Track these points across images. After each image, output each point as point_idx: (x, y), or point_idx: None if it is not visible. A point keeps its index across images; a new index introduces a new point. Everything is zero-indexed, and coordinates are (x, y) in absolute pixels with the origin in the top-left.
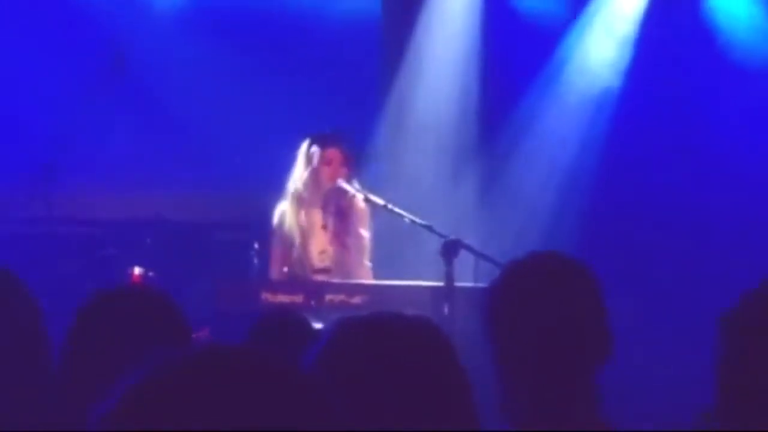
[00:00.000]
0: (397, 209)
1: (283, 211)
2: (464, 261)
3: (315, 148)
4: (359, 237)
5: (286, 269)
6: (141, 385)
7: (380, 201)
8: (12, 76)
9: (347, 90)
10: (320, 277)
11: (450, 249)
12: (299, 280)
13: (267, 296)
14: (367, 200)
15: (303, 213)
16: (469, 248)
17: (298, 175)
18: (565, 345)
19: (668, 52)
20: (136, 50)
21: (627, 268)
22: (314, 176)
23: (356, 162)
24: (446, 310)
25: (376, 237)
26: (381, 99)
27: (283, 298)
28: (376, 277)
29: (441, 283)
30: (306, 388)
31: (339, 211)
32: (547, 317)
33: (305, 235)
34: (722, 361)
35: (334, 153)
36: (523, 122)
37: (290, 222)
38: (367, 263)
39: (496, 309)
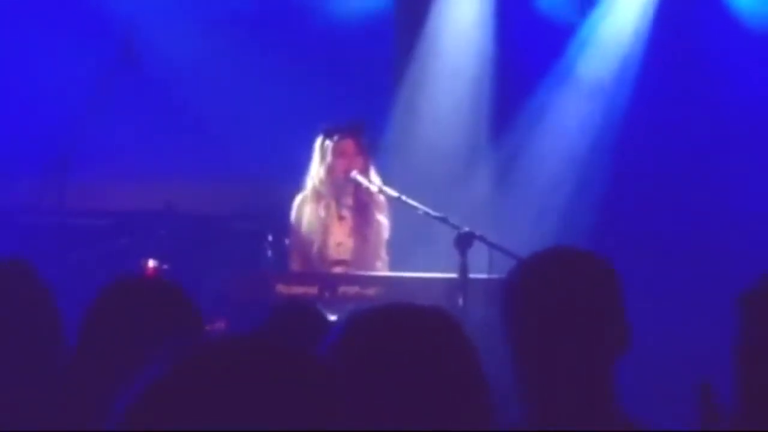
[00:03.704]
0: (410, 201)
1: (301, 204)
2: (478, 252)
3: (329, 141)
4: (380, 226)
5: (305, 261)
6: (164, 376)
7: (394, 193)
8: (23, 68)
9: (360, 83)
10: (338, 269)
11: (464, 240)
12: (314, 272)
13: (281, 288)
14: (380, 191)
15: (321, 206)
16: (483, 240)
17: (314, 169)
18: (583, 338)
19: (684, 42)
20: (148, 40)
21: (644, 258)
22: (329, 169)
23: (372, 152)
24: (460, 301)
25: (391, 229)
26: (394, 92)
27: (297, 290)
28: (390, 269)
29: (455, 275)
30: (322, 377)
31: (358, 203)
32: (565, 310)
33: (323, 227)
34: (741, 340)
35: (347, 144)
36: (536, 113)
37: (308, 215)
38: (384, 256)
39: (513, 300)
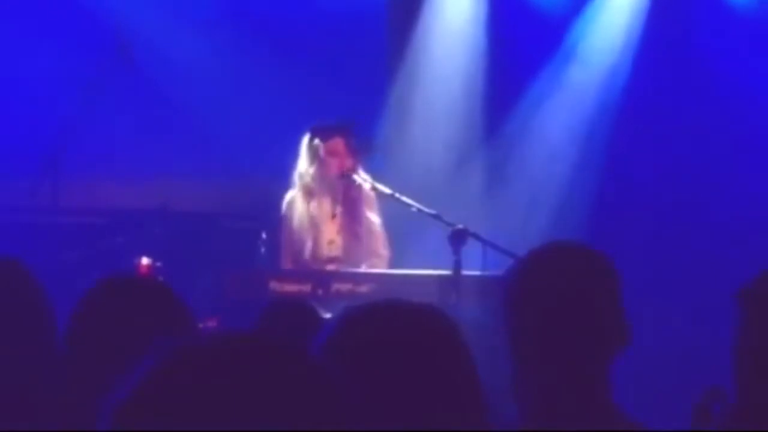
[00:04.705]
0: (404, 198)
1: (291, 202)
2: (472, 249)
3: (318, 140)
4: (371, 223)
5: (296, 259)
6: (155, 375)
7: (387, 190)
8: (17, 66)
9: (353, 80)
10: (330, 267)
11: (457, 237)
12: (307, 270)
13: (275, 286)
14: (374, 189)
15: (311, 204)
16: (476, 236)
17: (303, 168)
18: (582, 335)
19: (678, 37)
20: (143, 38)
21: (638, 254)
22: (320, 168)
23: (361, 151)
24: (454, 298)
25: (384, 225)
26: (387, 89)
27: (290, 288)
28: (391, 264)
29: (448, 272)
30: (315, 374)
31: (348, 201)
32: (564, 307)
33: (314, 225)
34: (739, 334)
35: (337, 143)
36: (530, 110)
37: (299, 213)
38: (384, 252)
39: (512, 298)
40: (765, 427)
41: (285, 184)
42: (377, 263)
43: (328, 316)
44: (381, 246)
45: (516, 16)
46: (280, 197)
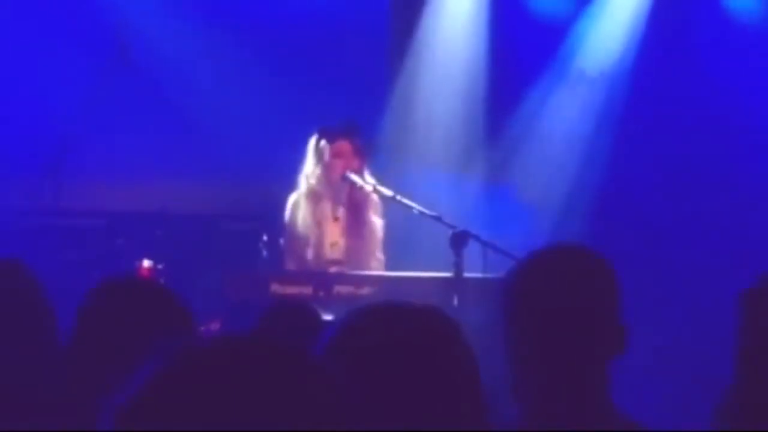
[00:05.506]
0: (405, 200)
1: (295, 204)
2: (473, 252)
3: (324, 142)
4: (373, 226)
5: (299, 261)
6: (157, 376)
7: (388, 192)
8: (18, 69)
9: (355, 82)
10: (332, 269)
11: (459, 240)
12: (308, 272)
13: (276, 287)
14: (376, 191)
15: (317, 206)
16: (478, 239)
17: (309, 170)
18: (581, 337)
19: (678, 38)
20: (143, 41)
21: (639, 256)
22: (326, 169)
23: (366, 153)
24: (455, 300)
25: (386, 228)
26: (389, 91)
27: (292, 290)
28: (386, 268)
29: (450, 274)
30: (317, 376)
31: (352, 203)
32: (564, 309)
33: (317, 227)
34: (740, 336)
35: (343, 145)
36: (531, 112)
37: (302, 215)
38: (380, 255)
39: (511, 299)
40: (765, 427)
41: (286, 185)
42: (375, 266)
43: (329, 317)
44: (379, 249)
45: (518, 17)
46: (281, 199)
